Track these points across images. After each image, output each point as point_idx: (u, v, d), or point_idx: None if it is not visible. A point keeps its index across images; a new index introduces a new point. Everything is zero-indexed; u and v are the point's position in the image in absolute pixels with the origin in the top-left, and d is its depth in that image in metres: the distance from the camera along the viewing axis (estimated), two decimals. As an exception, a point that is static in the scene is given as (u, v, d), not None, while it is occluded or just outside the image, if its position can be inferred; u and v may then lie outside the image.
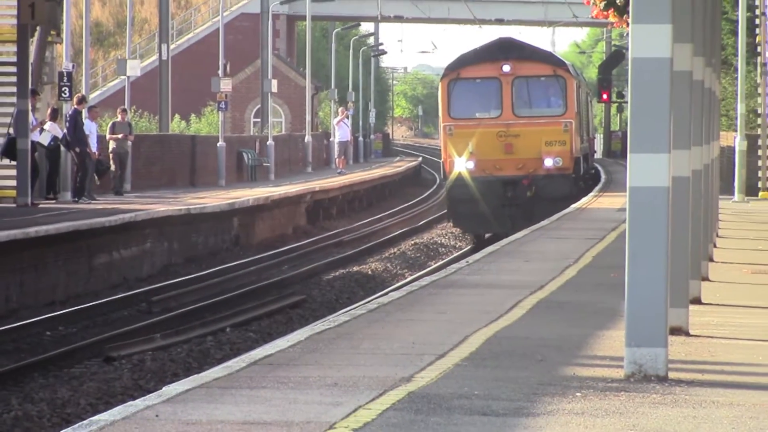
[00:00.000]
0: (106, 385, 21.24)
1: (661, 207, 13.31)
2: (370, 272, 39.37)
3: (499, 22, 72.19)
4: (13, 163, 38.39)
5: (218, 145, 62.76)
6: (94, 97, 59.81)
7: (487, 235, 42.02)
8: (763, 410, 12.01)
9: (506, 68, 45.69)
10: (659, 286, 13.25)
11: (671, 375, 13.14)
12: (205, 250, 41.42)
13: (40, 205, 38.08)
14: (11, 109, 38.59)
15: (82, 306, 29.43)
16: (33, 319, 27.49)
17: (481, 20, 70.70)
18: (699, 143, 20.90)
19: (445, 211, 50.71)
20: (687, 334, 15.52)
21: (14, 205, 37.55)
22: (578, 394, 12.48)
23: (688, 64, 17.39)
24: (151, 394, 12.69)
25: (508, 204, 44.08)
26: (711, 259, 23.73)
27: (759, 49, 46.12)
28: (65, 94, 45.13)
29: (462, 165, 44.62)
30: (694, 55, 18.73)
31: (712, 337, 16.22)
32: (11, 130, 38.40)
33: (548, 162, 45.02)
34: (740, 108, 46.03)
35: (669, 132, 13.53)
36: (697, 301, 17.95)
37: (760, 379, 13.70)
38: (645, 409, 11.96)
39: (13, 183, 38.56)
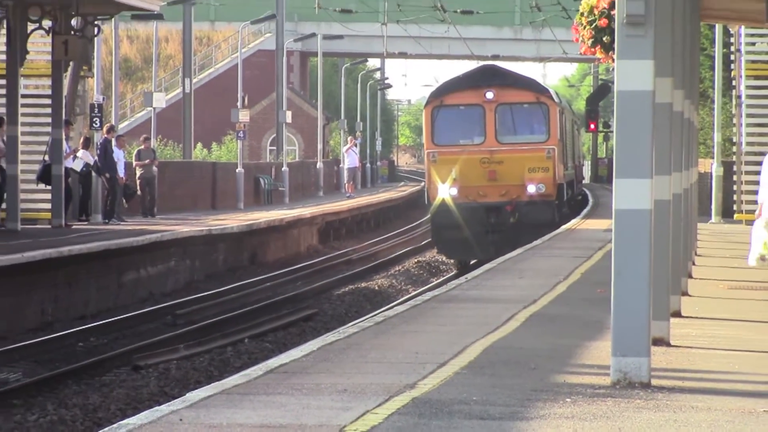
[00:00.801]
0: (134, 391, 21.21)
1: (644, 228, 13.31)
2: (376, 288, 39.23)
3: (495, 58, 72.07)
4: (49, 187, 38.34)
5: (237, 171, 62.62)
6: (122, 127, 59.87)
7: (472, 261, 40.65)
8: (739, 414, 12.03)
9: (489, 95, 43.90)
10: (643, 300, 13.24)
11: (654, 382, 13.13)
12: (224, 268, 41.27)
13: (73, 227, 38.02)
14: (46, 138, 38.56)
15: (112, 319, 29.35)
16: (66, 331, 27.40)
17: (479, 56, 70.49)
18: (679, 169, 20.87)
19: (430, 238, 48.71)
20: (668, 344, 15.45)
21: (49, 226, 37.51)
22: (568, 399, 12.48)
23: (668, 96, 17.36)
24: (175, 400, 12.71)
25: (492, 230, 42.47)
26: (690, 276, 23.64)
27: (734, 83, 45.91)
28: (96, 124, 45.04)
29: (446, 191, 42.85)
30: (674, 88, 18.69)
31: (691, 347, 16.15)
32: (47, 157, 38.38)
33: (531, 188, 43.19)
34: (717, 137, 45.80)
35: (651, 159, 13.52)
36: (677, 314, 17.88)
37: (736, 386, 13.68)
38: (630, 413, 11.97)
39: (48, 206, 38.53)
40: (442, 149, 43.55)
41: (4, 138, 36.03)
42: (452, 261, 44.86)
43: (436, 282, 37.74)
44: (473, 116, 43.63)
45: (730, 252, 26.40)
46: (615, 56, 13.24)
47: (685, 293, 20.77)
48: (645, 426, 11.46)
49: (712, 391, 13.34)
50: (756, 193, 23.40)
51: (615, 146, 13.67)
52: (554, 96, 47.17)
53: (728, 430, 11.32)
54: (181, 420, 11.35)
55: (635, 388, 12.97)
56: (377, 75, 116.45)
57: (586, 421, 11.61)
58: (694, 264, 25.93)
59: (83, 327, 28.02)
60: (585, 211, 50.83)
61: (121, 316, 29.87)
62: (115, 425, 11.73)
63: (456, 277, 32.60)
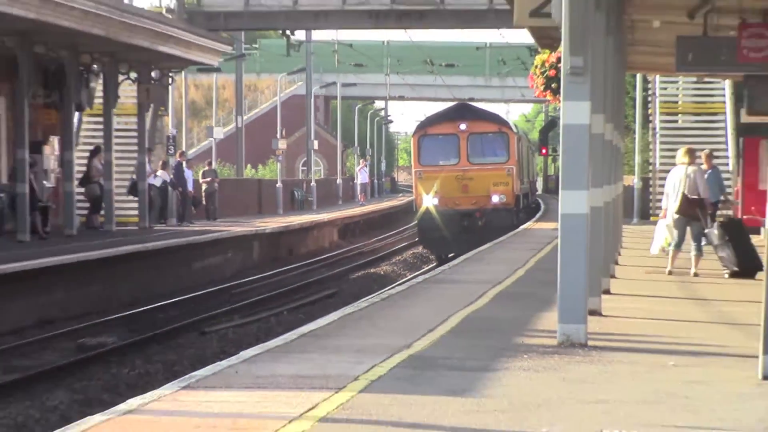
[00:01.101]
0: (201, 351, 21.19)
1: (582, 227, 13.30)
2: (381, 273, 38.92)
3: (471, 99, 71.32)
4: (136, 198, 38.27)
5: (277, 185, 62.17)
6: (190, 153, 59.60)
7: (450, 255, 38.92)
8: (653, 366, 12.09)
9: (462, 126, 42.69)
10: (581, 281, 13.20)
11: (590, 343, 13.17)
12: (268, 258, 40.95)
13: (155, 228, 37.90)
14: (134, 161, 38.50)
15: (184, 297, 29.24)
16: (150, 306, 27.37)
17: (458, 99, 69.86)
18: (608, 183, 20.72)
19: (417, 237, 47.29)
20: (600, 314, 15.36)
21: (137, 227, 37.45)
22: (525, 356, 12.49)
23: (601, 128, 17.18)
24: (232, 357, 12.72)
25: (465, 231, 41.16)
26: (617, 263, 23.38)
27: (651, 118, 45.70)
28: (171, 151, 44.79)
29: (429, 201, 41.73)
30: (606, 122, 18.56)
31: (617, 316, 16.02)
32: (134, 176, 38.33)
33: (495, 198, 42.07)
34: (637, 159, 45.46)
35: (588, 175, 13.49)
36: (607, 292, 17.69)
37: (651, 345, 13.69)
38: (571, 366, 11.93)
39: (136, 212, 38.38)
40: (426, 168, 42.49)
41: (102, 162, 36.00)
42: (433, 255, 43.91)
43: (426, 269, 37.42)
44: (450, 143, 42.54)
45: (646, 245, 26.14)
46: (561, 98, 13.20)
47: (613, 276, 20.53)
48: (582, 375, 11.42)
49: (633, 350, 13.29)
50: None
51: (561, 166, 13.67)
52: (513, 127, 46.36)
53: (644, 378, 11.32)
54: (236, 372, 11.37)
55: (575, 347, 12.94)
56: (382, 113, 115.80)
57: (539, 372, 11.58)
58: (619, 254, 25.70)
59: (163, 303, 27.93)
60: (538, 215, 50.33)
61: (191, 295, 29.77)
62: (187, 376, 11.78)
63: (439, 266, 32.30)
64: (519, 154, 45.30)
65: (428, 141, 42.72)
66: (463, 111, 44.69)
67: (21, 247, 28.04)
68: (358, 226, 60.68)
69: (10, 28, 28.13)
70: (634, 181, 44.12)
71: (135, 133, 38.92)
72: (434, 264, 39.71)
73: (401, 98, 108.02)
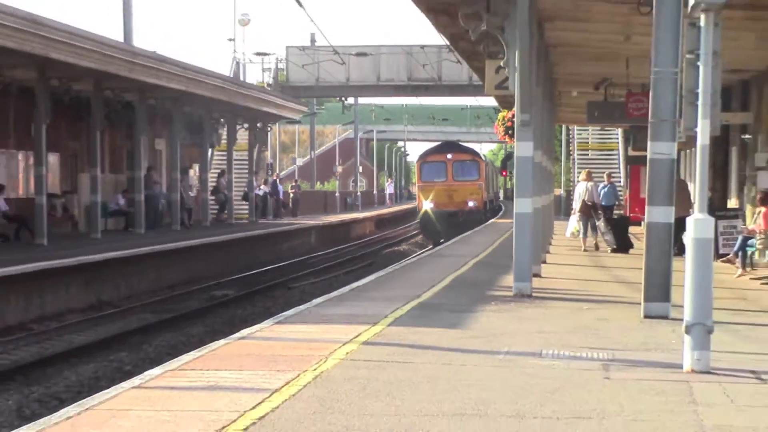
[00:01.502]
0: (289, 299, 21.07)
1: (528, 221, 13.30)
2: (402, 250, 38.77)
3: (457, 140, 71.22)
4: (247, 203, 38.32)
5: (336, 194, 62.28)
6: (282, 174, 59.72)
7: (441, 241, 38.50)
8: (574, 309, 11.86)
9: (449, 156, 40.99)
10: (528, 255, 13.23)
11: (534, 294, 13.01)
12: (329, 241, 40.70)
13: (259, 222, 37.84)
14: (246, 179, 38.45)
15: (276, 265, 28.97)
16: (255, 271, 27.13)
17: (449, 140, 69.74)
18: (545, 193, 20.64)
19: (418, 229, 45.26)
20: (540, 276, 15.45)
21: (247, 221, 37.34)
22: (493, 303, 12.42)
23: (540, 158, 17.05)
24: (308, 303, 12.73)
25: (450, 225, 38.89)
26: (550, 244, 23.27)
27: (571, 152, 45.46)
28: (269, 173, 45.03)
29: (427, 205, 39.93)
30: (543, 155, 18.44)
31: (551, 278, 15.94)
32: (246, 189, 38.37)
33: (470, 203, 40.35)
34: (563, 178, 45.45)
35: (532, 188, 13.38)
36: (544, 262, 17.56)
37: (572, 296, 13.53)
38: (522, 309, 11.76)
39: (247, 212, 38.33)
40: (425, 183, 40.70)
41: (226, 180, 35.86)
42: (430, 241, 42.55)
43: (429, 248, 37.19)
44: (441, 167, 40.71)
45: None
46: (515, 140, 13.25)
47: (548, 252, 20.50)
48: (530, 314, 11.34)
49: (561, 299, 13.17)
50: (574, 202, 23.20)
51: (515, 182, 13.73)
52: (482, 157, 45.11)
53: (568, 317, 11.22)
54: (310, 312, 11.37)
55: (524, 297, 12.80)
56: (402, 149, 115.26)
57: (501, 313, 11.48)
58: (552, 238, 25.47)
59: (264, 269, 27.78)
60: (499, 214, 49.79)
61: (280, 264, 29.53)
62: (279, 314, 11.81)
63: (434, 247, 31.85)
64: (486, 174, 44.23)
65: (427, 166, 41.21)
66: (449, 146, 43.46)
67: (174, 233, 28.03)
68: (387, 220, 60.23)
69: (166, 97, 28.22)
70: (561, 192, 43.72)
71: (246, 162, 38.78)
72: (432, 246, 39.43)
73: (414, 140, 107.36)
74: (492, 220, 41.52)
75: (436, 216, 39.55)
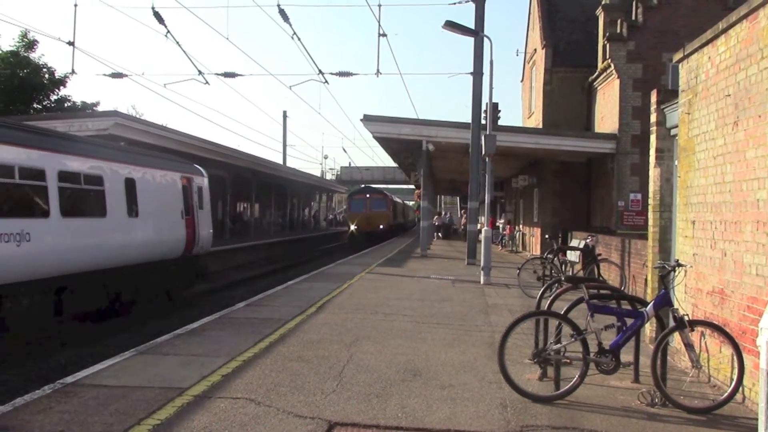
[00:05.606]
0: (332, 261, 25.38)
1: (427, 228, 19.03)
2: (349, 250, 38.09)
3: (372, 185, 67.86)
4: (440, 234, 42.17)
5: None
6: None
7: (366, 250, 32.55)
8: (443, 261, 17.11)
9: (368, 195, 43.59)
10: (425, 240, 18.28)
11: (428, 255, 20.30)
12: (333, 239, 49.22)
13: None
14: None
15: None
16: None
17: (368, 185, 72.40)
18: (430, 219, 27.64)
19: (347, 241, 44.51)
20: (429, 250, 20.52)
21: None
22: (413, 258, 18.13)
23: (428, 206, 22.19)
24: (363, 271, 15.85)
25: (368, 240, 40.62)
26: (433, 240, 30.89)
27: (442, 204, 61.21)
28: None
29: (353, 227, 42.02)
30: (429, 204, 24.06)
31: (435, 251, 21.50)
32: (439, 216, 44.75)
33: (381, 226, 42.38)
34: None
35: (427, 217, 17.78)
36: (431, 245, 23.77)
37: (444, 256, 19.61)
38: (424, 260, 17.80)
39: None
40: (353, 213, 43.14)
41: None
42: (359, 248, 38.12)
43: (368, 249, 32.47)
44: (363, 202, 43.24)
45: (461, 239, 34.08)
46: (421, 200, 18.52)
47: (432, 243, 27.39)
48: (426, 262, 16.26)
49: (439, 257, 19.57)
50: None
51: (421, 216, 18.57)
52: (388, 195, 47.02)
53: (441, 263, 16.08)
54: (362, 277, 14.56)
55: (426, 257, 19.61)
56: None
57: (416, 261, 17.54)
58: (434, 239, 32.60)
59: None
60: (400, 234, 50.03)
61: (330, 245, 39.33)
62: (323, 268, 16.10)
63: (352, 252, 33.22)
64: (394, 208, 48.15)
65: (354, 201, 44.18)
66: (367, 189, 46.11)
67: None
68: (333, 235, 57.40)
69: (299, 185, 49.26)
70: (435, 218, 44.18)
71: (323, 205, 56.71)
72: (418, 250, 30.75)
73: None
74: (394, 238, 45.04)
75: (359, 235, 42.53)
